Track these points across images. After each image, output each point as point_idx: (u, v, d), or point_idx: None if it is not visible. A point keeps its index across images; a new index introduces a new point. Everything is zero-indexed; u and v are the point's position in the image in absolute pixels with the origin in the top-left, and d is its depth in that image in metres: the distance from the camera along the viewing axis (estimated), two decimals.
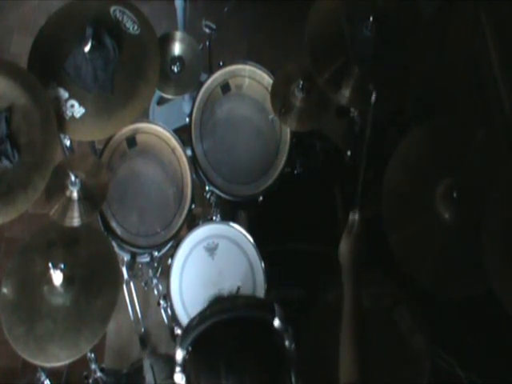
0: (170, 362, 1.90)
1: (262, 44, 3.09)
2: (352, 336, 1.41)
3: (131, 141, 2.04)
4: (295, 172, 2.21)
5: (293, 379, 1.14)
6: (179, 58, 2.00)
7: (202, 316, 1.16)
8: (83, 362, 1.90)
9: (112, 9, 1.81)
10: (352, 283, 1.48)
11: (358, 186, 1.61)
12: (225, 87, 2.13)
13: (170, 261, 1.96)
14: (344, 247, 1.54)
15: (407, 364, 1.83)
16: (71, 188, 1.68)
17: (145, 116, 2.74)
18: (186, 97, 2.64)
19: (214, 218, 2.18)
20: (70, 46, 1.75)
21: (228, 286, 1.90)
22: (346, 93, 1.80)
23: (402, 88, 1.87)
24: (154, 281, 2.34)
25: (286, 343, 1.14)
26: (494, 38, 2.15)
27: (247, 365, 1.10)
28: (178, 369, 1.14)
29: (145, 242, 2.03)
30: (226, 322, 1.13)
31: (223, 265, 1.94)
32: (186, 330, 1.16)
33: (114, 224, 1.98)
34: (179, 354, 1.14)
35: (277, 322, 1.14)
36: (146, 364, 1.95)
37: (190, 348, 1.14)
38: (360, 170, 1.61)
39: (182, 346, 1.14)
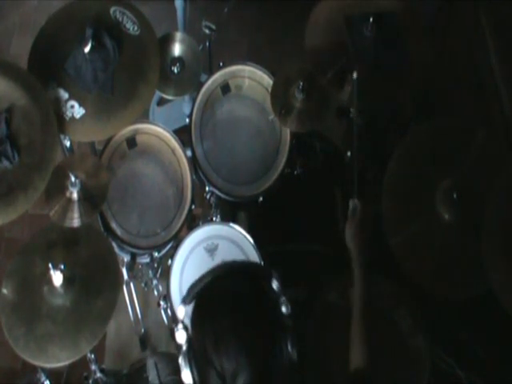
0: (174, 360, 1.90)
1: (262, 44, 3.09)
2: (361, 325, 1.45)
3: (131, 141, 2.04)
4: (295, 173, 2.21)
5: (289, 346, 1.14)
6: (179, 59, 2.00)
7: (204, 274, 1.18)
8: (83, 362, 1.89)
9: (112, 9, 1.82)
10: (361, 268, 1.53)
11: (353, 174, 1.63)
12: (225, 88, 2.13)
13: (169, 261, 1.96)
14: (348, 234, 1.59)
15: (407, 364, 1.83)
16: (71, 189, 1.68)
17: (145, 117, 2.74)
18: (186, 97, 2.64)
19: (214, 218, 2.18)
20: (70, 46, 1.76)
21: None
22: (346, 93, 1.80)
23: (401, 88, 1.87)
24: (154, 281, 2.34)
25: (283, 309, 1.17)
26: (493, 39, 2.15)
27: (246, 315, 1.12)
28: (180, 326, 1.14)
29: (145, 242, 2.03)
30: (227, 276, 1.16)
31: None
32: (189, 288, 1.17)
33: (113, 225, 1.98)
34: (181, 311, 1.15)
35: (275, 284, 1.18)
36: (150, 363, 1.95)
37: (192, 303, 1.15)
38: (353, 157, 1.63)
39: (184, 302, 1.15)
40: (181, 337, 1.14)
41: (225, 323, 1.11)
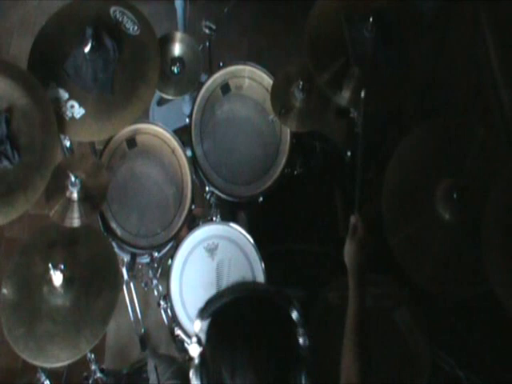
0: (174, 363, 1.90)
1: (262, 44, 3.09)
2: (355, 340, 1.41)
3: (131, 141, 2.04)
4: (295, 172, 2.22)
5: (303, 378, 1.13)
6: (179, 59, 2.00)
7: (223, 291, 1.17)
8: (83, 362, 1.90)
9: (112, 9, 1.81)
10: (356, 287, 1.49)
11: (356, 188, 1.62)
12: (225, 88, 2.13)
13: (170, 261, 1.96)
14: (348, 250, 1.55)
15: (407, 364, 1.83)
16: (71, 189, 1.68)
17: (145, 117, 2.74)
18: (186, 97, 2.64)
19: (214, 218, 2.18)
20: (70, 46, 1.76)
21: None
22: (346, 93, 1.80)
23: (401, 88, 1.87)
24: (154, 281, 2.34)
25: (300, 340, 1.14)
26: (494, 38, 2.15)
27: (264, 343, 1.10)
28: (194, 339, 1.14)
29: (145, 242, 2.03)
30: (248, 299, 1.15)
31: (223, 265, 1.94)
32: (207, 303, 1.16)
33: (113, 224, 1.98)
34: (197, 325, 1.14)
35: (294, 314, 1.15)
36: (150, 365, 1.95)
37: (209, 319, 1.14)
38: (357, 173, 1.62)
39: (201, 317, 1.14)
40: (194, 350, 1.14)
41: (244, 354, 1.09)
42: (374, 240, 1.55)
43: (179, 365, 1.87)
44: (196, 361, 1.13)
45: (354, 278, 1.51)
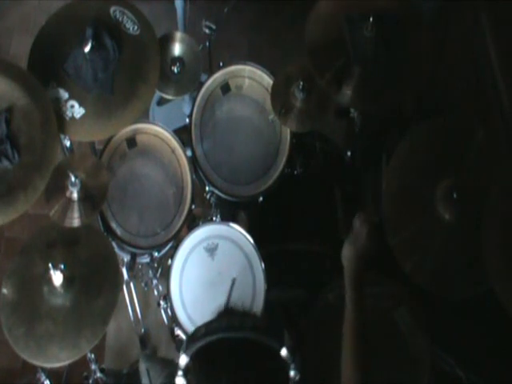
0: (167, 367, 1.90)
1: (262, 44, 3.09)
2: (353, 343, 1.40)
3: (131, 141, 2.04)
4: (295, 172, 2.21)
5: None
6: (179, 59, 2.00)
7: (209, 328, 1.14)
8: (83, 362, 1.90)
9: (112, 9, 1.82)
10: (352, 292, 1.47)
11: (361, 192, 1.60)
12: (225, 88, 2.13)
13: (169, 261, 1.95)
14: (347, 255, 1.51)
15: (407, 364, 1.83)
16: (71, 188, 1.68)
17: (145, 116, 2.74)
18: (186, 97, 2.64)
19: (214, 218, 2.18)
20: (70, 46, 1.76)
21: (228, 286, 1.90)
22: (346, 93, 1.80)
23: (401, 88, 1.87)
24: (154, 281, 2.34)
25: (291, 374, 1.12)
26: (493, 38, 2.15)
27: None
28: (180, 373, 1.13)
29: (145, 242, 2.03)
30: (232, 341, 1.12)
31: (223, 265, 1.94)
32: (193, 337, 1.14)
33: (113, 224, 1.98)
34: (183, 360, 1.12)
35: (284, 352, 1.11)
36: (142, 367, 1.94)
37: (193, 357, 1.13)
38: (360, 174, 1.60)
39: (186, 353, 1.13)
40: (180, 382, 1.14)
41: None
42: (375, 250, 1.52)
43: (172, 369, 1.88)
44: None
45: (350, 283, 1.48)
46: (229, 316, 1.20)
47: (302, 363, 1.13)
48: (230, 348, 1.12)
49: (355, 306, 1.45)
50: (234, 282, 1.89)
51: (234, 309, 1.28)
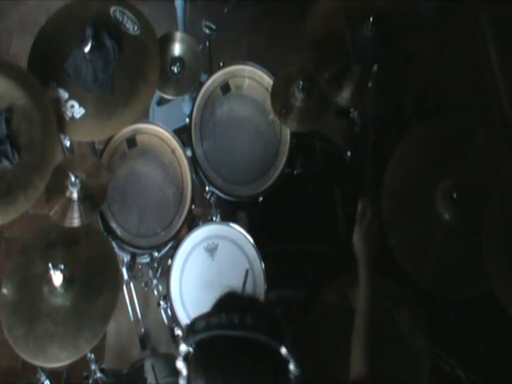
0: (171, 361, 1.90)
1: (262, 44, 3.09)
2: (365, 332, 1.43)
3: (131, 141, 2.04)
4: (295, 172, 2.21)
5: None
6: (179, 59, 2.00)
7: (210, 322, 1.13)
8: (83, 362, 1.89)
9: (112, 9, 1.82)
10: (368, 276, 1.50)
11: (366, 174, 1.61)
12: (225, 88, 2.13)
13: (169, 261, 1.96)
14: (358, 238, 1.55)
15: (407, 364, 1.83)
16: (71, 188, 1.68)
17: (145, 116, 2.74)
18: (186, 97, 2.64)
19: (214, 218, 2.18)
20: (70, 46, 1.76)
21: (228, 286, 1.90)
22: (346, 93, 1.80)
23: (402, 88, 1.87)
24: (154, 281, 2.34)
25: (291, 367, 1.12)
26: (493, 38, 2.14)
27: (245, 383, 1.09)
28: (180, 358, 1.13)
29: (145, 242, 2.03)
30: (231, 339, 1.11)
31: (223, 265, 1.94)
32: (192, 328, 1.14)
33: (113, 224, 1.98)
34: (183, 348, 1.13)
35: (283, 350, 1.11)
36: (148, 365, 1.94)
37: (192, 348, 1.13)
38: (368, 156, 1.61)
39: (186, 342, 1.13)
40: (180, 366, 1.14)
41: None
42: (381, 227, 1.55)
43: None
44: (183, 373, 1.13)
45: (365, 268, 1.51)
46: (229, 308, 1.19)
47: (301, 362, 1.13)
48: (228, 347, 1.11)
49: (369, 281, 1.48)
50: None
51: (235, 295, 1.27)
